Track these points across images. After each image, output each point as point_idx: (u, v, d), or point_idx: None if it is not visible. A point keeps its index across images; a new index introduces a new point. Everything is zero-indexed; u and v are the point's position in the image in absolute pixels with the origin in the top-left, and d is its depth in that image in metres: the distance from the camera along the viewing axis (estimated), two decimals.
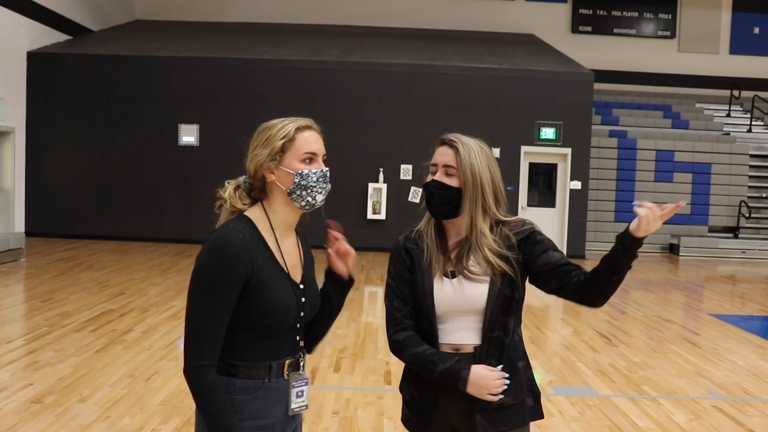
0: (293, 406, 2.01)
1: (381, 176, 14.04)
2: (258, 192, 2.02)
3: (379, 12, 18.93)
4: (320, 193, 1.98)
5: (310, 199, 1.97)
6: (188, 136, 14.06)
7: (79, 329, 6.73)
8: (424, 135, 13.92)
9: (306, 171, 1.95)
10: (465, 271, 2.15)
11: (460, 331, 2.16)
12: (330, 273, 2.14)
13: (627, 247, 2.01)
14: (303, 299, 2.00)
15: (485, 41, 17.42)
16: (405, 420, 2.30)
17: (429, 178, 2.23)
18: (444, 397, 2.17)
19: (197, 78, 14.05)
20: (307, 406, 2.06)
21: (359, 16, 18.87)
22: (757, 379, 5.94)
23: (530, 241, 2.18)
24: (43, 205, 13.86)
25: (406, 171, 14.10)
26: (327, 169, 2.01)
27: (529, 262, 2.16)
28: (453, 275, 2.17)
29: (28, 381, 5.12)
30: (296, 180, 1.94)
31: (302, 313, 2.00)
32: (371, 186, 14.00)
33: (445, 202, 2.19)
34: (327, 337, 2.24)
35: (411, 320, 2.21)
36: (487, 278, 2.14)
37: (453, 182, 2.18)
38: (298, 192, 1.95)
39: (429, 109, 14.05)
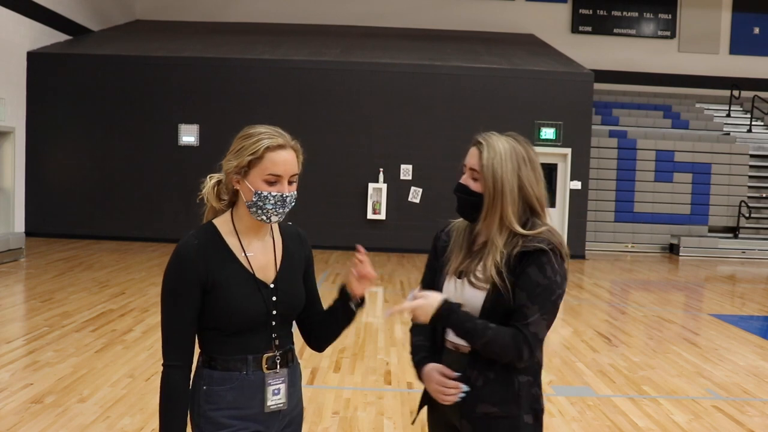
0: (269, 402, 2.06)
1: (381, 176, 14.04)
2: (230, 194, 2.09)
3: (379, 12, 18.93)
4: (275, 215, 2.01)
5: (264, 217, 2.02)
6: (188, 136, 14.06)
7: (79, 329, 6.73)
8: (424, 135, 13.96)
9: (265, 193, 1.98)
10: (471, 275, 2.13)
11: None
12: (343, 290, 2.17)
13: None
14: (274, 298, 2.05)
15: (485, 41, 17.42)
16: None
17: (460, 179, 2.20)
18: None
19: (197, 78, 14.04)
20: (285, 404, 2.09)
21: (359, 16, 18.87)
22: (757, 379, 5.94)
23: (526, 263, 2.03)
24: (43, 205, 13.85)
25: (406, 171, 14.09)
26: (289, 194, 2.01)
27: (515, 287, 2.04)
28: (461, 276, 2.16)
29: (28, 381, 5.12)
30: (254, 199, 1.99)
31: (274, 311, 2.05)
32: (371, 186, 14.00)
33: (467, 206, 2.15)
34: None
35: None
36: (487, 286, 2.08)
37: (477, 187, 2.12)
38: (254, 209, 2.01)
39: (429, 109, 14.05)
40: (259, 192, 1.98)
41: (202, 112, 13.98)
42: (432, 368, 2.13)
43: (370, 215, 14.00)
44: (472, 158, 2.13)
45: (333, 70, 14.19)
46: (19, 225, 13.51)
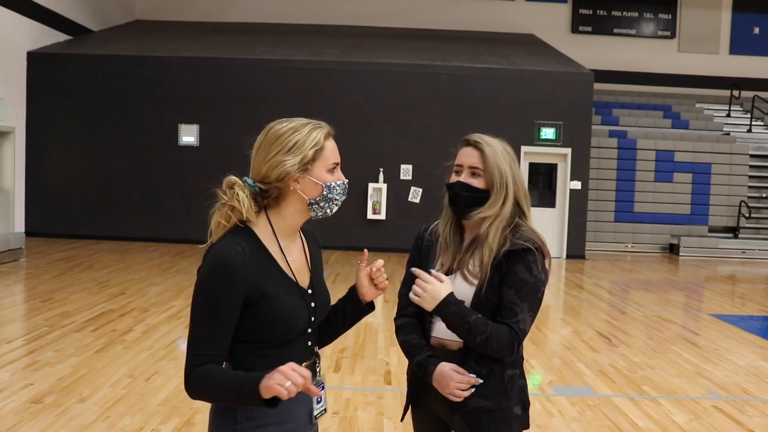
0: (315, 412, 2.00)
1: (381, 176, 14.04)
2: (269, 199, 1.88)
3: (379, 12, 18.93)
4: (337, 205, 1.93)
5: (328, 210, 1.93)
6: (188, 136, 14.06)
7: (79, 329, 6.73)
8: (424, 135, 13.96)
9: (333, 183, 1.89)
10: (464, 270, 2.17)
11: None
12: (354, 292, 2.09)
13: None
14: (312, 304, 1.95)
15: (485, 41, 17.42)
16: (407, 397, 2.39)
17: (453, 178, 2.23)
18: (430, 385, 2.21)
19: (197, 78, 14.04)
20: (326, 410, 2.07)
21: (359, 16, 18.87)
22: (757, 379, 5.94)
23: (514, 261, 2.11)
24: (43, 205, 13.85)
25: (406, 171, 14.09)
26: (347, 180, 1.96)
27: (503, 284, 2.13)
28: (449, 273, 2.20)
29: (28, 381, 5.12)
30: (324, 192, 1.88)
31: (312, 318, 1.96)
32: (371, 186, 14.00)
33: (471, 203, 2.19)
34: None
35: (414, 308, 2.27)
36: (476, 282, 2.14)
37: (480, 184, 2.18)
38: (321, 203, 1.89)
39: (429, 109, 14.05)
40: (329, 183, 1.88)
41: (202, 112, 13.98)
42: (450, 368, 2.15)
43: (370, 215, 14.00)
44: (470, 157, 2.19)
45: (333, 70, 14.19)
46: (19, 225, 13.51)
